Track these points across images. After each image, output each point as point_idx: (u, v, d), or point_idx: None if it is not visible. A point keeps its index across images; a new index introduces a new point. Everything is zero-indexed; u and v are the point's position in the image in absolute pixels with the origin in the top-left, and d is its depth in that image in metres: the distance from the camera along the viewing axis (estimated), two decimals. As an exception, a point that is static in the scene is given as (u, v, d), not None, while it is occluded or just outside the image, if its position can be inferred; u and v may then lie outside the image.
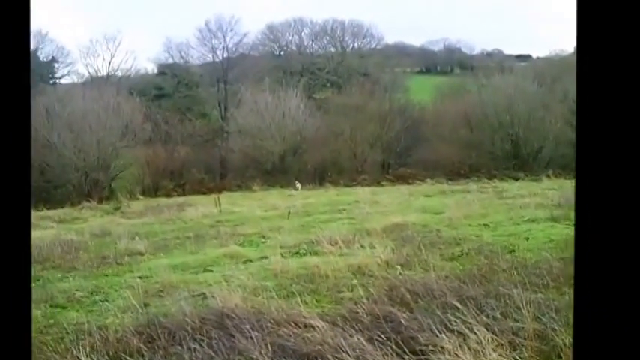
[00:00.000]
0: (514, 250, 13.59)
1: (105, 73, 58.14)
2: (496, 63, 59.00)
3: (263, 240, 17.58)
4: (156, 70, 61.66)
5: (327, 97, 57.33)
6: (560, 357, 7.25)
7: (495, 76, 48.46)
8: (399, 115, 47.06)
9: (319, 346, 7.52)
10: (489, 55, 67.51)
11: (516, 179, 35.93)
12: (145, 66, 78.36)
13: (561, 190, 24.17)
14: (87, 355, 7.74)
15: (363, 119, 45.60)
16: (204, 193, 37.84)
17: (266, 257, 14.44)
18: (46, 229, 22.76)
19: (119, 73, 58.94)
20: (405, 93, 56.84)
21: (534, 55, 65.03)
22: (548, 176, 34.49)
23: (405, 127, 46.12)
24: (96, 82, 52.97)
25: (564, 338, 7.41)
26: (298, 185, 38.44)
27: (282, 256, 14.27)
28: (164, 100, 55.57)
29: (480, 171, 39.70)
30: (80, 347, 7.96)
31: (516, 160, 42.17)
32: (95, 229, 22.27)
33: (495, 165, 41.25)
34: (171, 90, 57.17)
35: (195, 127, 50.73)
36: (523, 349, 7.40)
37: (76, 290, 12.28)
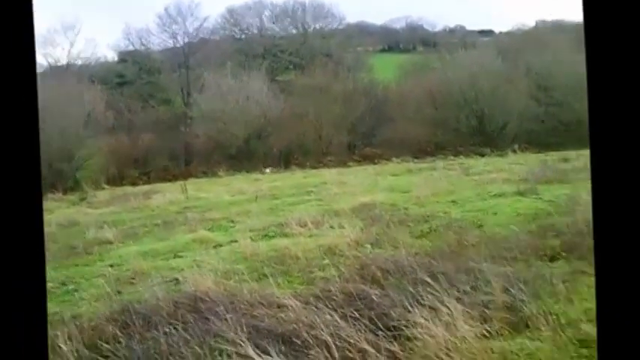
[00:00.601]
0: (482, 225, 13.79)
1: (64, 62, 57.23)
2: (459, 39, 58.83)
3: (232, 224, 17.55)
4: (116, 58, 60.86)
5: (291, 79, 56.90)
6: (529, 326, 7.44)
7: (458, 52, 48.27)
8: (364, 95, 46.76)
9: (294, 325, 7.61)
10: (452, 31, 67.37)
11: (482, 155, 36.12)
12: (106, 54, 77.53)
13: (527, 164, 24.51)
14: (64, 343, 7.74)
15: (327, 100, 45.24)
16: (169, 180, 37.34)
17: (236, 241, 14.43)
18: (12, 221, 22.46)
19: (79, 62, 57.88)
20: (369, 72, 56.53)
21: (497, 30, 65.10)
22: (514, 151, 34.80)
23: (370, 106, 45.79)
24: (55, 72, 52.13)
25: (532, 308, 7.60)
26: (267, 170, 38.36)
27: (252, 240, 14.32)
28: (126, 88, 54.89)
29: (445, 148, 39.85)
30: (59, 335, 7.94)
31: (482, 136, 42.24)
32: (62, 219, 22.01)
33: (461, 142, 41.31)
34: (132, 77, 56.45)
35: (158, 113, 50.28)
36: (493, 320, 7.57)
37: (47, 281, 12.18)
